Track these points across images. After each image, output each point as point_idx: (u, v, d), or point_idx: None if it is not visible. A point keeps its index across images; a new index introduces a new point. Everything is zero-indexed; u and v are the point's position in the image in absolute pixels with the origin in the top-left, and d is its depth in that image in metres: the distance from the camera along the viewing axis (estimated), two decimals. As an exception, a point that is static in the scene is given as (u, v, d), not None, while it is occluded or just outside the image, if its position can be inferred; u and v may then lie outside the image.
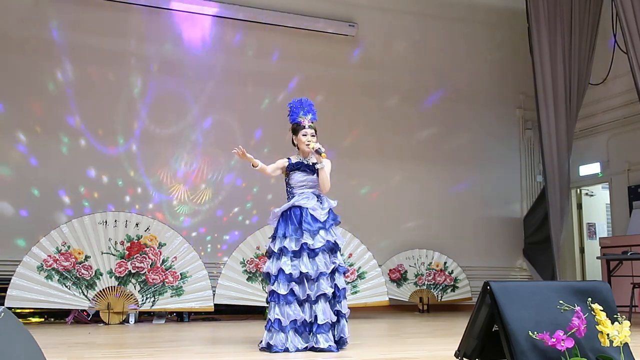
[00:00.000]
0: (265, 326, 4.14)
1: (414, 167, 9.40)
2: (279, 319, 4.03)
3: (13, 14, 7.74)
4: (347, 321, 4.22)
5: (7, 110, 7.63)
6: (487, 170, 9.82)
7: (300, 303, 4.08)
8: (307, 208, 4.22)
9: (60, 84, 7.87)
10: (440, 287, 8.80)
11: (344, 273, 4.35)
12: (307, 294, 4.06)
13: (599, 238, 8.96)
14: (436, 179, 9.48)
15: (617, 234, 8.76)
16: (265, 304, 4.30)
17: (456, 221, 9.40)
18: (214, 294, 6.81)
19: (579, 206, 9.87)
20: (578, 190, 9.82)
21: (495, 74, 10.02)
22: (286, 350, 3.98)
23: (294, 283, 4.09)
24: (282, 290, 4.07)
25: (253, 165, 4.31)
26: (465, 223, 9.48)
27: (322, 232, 4.18)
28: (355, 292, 7.41)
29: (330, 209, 4.31)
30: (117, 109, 8.08)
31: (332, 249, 4.24)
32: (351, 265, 7.47)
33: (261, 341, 4.17)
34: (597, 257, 7.61)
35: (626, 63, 6.98)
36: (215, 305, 6.82)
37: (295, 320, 4.04)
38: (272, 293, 4.13)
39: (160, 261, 6.73)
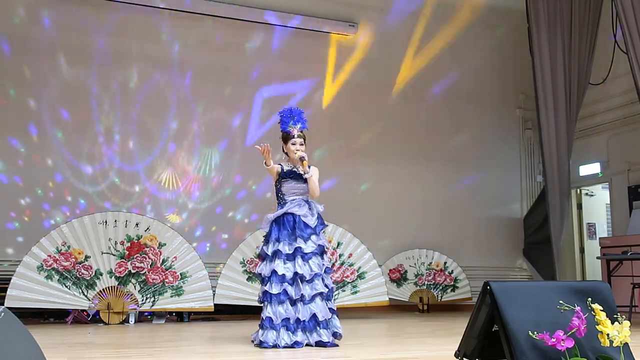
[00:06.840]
0: (259, 324, 4.35)
1: (414, 166, 9.39)
2: (270, 317, 4.26)
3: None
4: (338, 316, 4.47)
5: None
6: (487, 170, 9.81)
7: (293, 302, 4.29)
8: (299, 215, 4.45)
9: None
10: (440, 287, 8.79)
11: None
12: (301, 294, 4.27)
13: (599, 238, 8.95)
14: (436, 178, 9.47)
15: (617, 234, 8.76)
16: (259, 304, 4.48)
17: (456, 221, 9.39)
18: (214, 294, 6.82)
19: (579, 206, 9.87)
20: (578, 190, 9.81)
21: (496, 74, 10.01)
22: (276, 346, 4.18)
23: (286, 284, 4.31)
24: (275, 290, 4.30)
25: (266, 164, 4.46)
26: (465, 223, 9.47)
27: (313, 237, 4.43)
28: (355, 292, 7.41)
29: (318, 214, 4.55)
30: (116, 106, 8.09)
31: (323, 251, 4.48)
32: (351, 265, 7.46)
33: (253, 339, 4.43)
34: (597, 257, 7.61)
35: (626, 63, 6.97)
36: (215, 305, 6.82)
37: (288, 318, 4.25)
38: (265, 293, 4.36)
39: (160, 261, 6.73)
